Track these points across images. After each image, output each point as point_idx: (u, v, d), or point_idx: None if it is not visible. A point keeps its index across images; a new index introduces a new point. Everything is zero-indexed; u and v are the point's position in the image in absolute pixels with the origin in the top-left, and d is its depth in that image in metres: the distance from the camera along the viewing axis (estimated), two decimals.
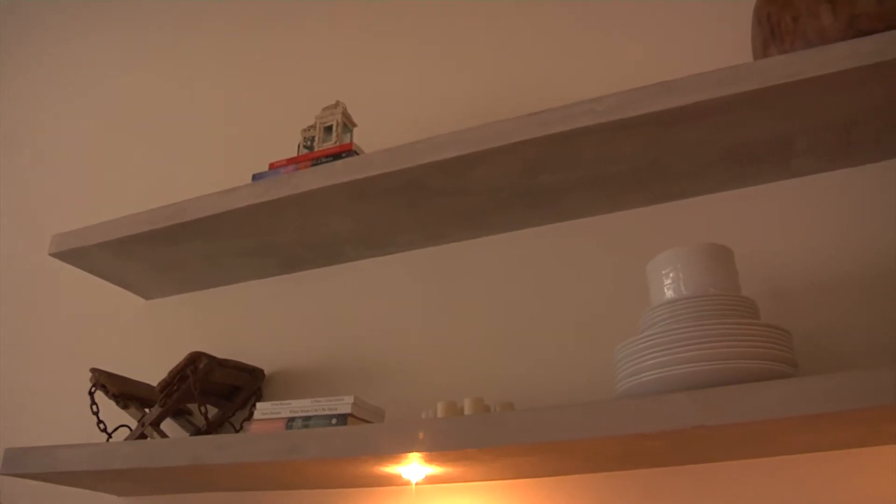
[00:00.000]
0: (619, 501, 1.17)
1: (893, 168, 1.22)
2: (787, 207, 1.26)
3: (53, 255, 1.53)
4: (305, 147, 1.45)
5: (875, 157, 1.23)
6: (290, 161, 1.42)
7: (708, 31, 1.43)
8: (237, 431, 1.50)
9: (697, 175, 1.26)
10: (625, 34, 1.50)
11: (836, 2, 1.09)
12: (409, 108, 1.66)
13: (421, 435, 1.02)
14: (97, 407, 1.44)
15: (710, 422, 0.89)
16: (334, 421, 1.16)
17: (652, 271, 1.07)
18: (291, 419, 1.18)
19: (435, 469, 1.15)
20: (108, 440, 1.49)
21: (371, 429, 1.06)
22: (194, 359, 1.37)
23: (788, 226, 1.24)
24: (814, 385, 0.88)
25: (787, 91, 1.06)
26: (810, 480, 1.09)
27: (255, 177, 1.42)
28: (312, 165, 1.38)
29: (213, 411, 1.53)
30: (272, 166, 1.43)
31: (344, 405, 1.17)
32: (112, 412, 1.66)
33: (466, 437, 1.00)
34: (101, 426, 1.49)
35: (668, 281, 1.03)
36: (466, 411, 1.13)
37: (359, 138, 1.64)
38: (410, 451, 1.02)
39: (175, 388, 1.37)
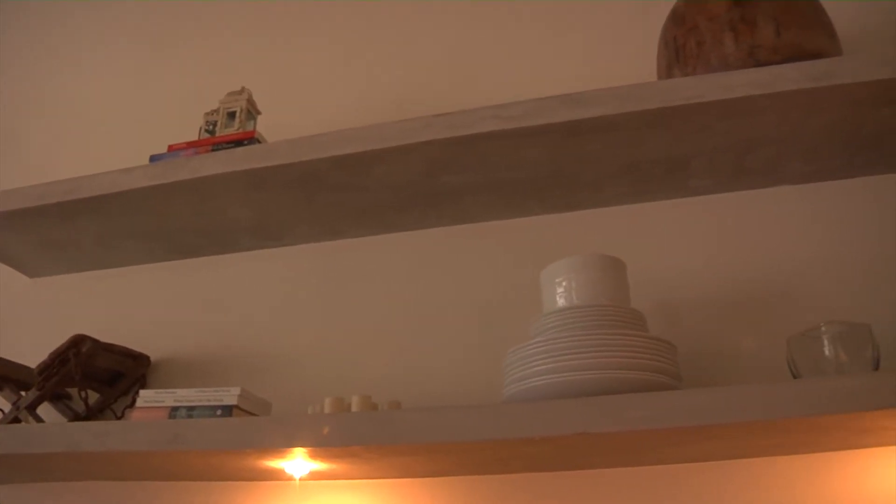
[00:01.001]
0: None
1: (783, 194, 1.28)
2: (681, 225, 1.29)
3: None
4: (207, 131, 1.42)
5: (767, 182, 1.28)
6: (190, 144, 1.38)
7: (616, 47, 1.46)
8: (118, 419, 1.45)
9: (596, 187, 1.29)
10: (535, 43, 1.52)
11: (739, 31, 1.13)
12: (316, 101, 1.64)
13: (325, 431, 1.01)
14: None
15: (593, 429, 0.91)
16: (219, 412, 1.14)
17: (546, 279, 1.09)
18: (175, 408, 1.16)
19: (320, 465, 1.14)
20: None
21: (256, 422, 1.05)
22: (77, 341, 1.32)
23: (681, 243, 1.28)
24: (692, 398, 0.91)
25: (687, 112, 1.09)
26: (693, 489, 1.12)
27: (153, 158, 1.39)
28: (212, 150, 1.34)
29: (94, 397, 1.48)
30: (171, 148, 1.40)
31: (230, 396, 1.15)
32: None
33: (352, 434, 1.00)
34: None
35: (561, 289, 1.05)
36: (354, 408, 1.12)
37: (262, 127, 1.60)
38: (295, 446, 1.02)
39: (55, 370, 1.32)
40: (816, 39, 1.14)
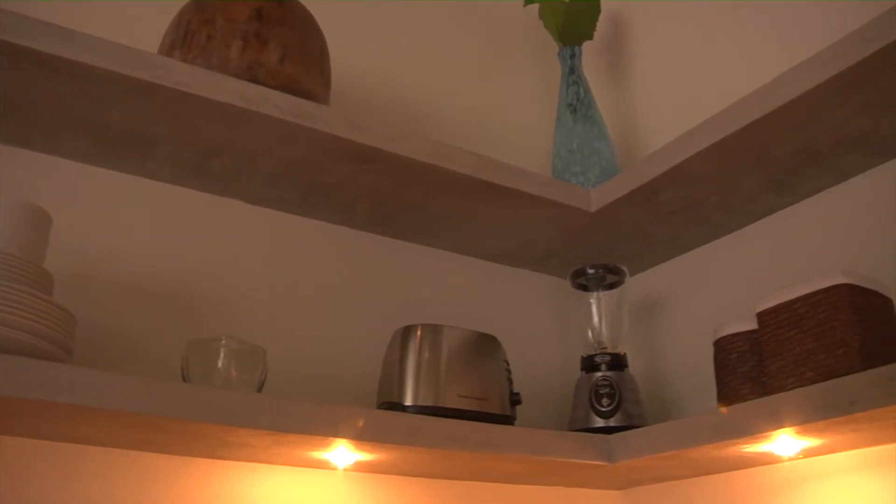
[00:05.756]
0: None
1: (235, 207, 1.34)
2: (128, 203, 1.24)
3: None
4: None
5: (224, 191, 1.33)
6: None
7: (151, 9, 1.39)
8: None
9: (54, 133, 1.15)
10: None
11: (249, 44, 1.16)
12: None
13: None
14: None
15: None
16: None
17: None
18: None
19: None
20: None
21: None
22: None
23: (119, 220, 1.23)
24: (71, 374, 0.87)
25: (171, 96, 1.07)
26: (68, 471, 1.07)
27: None
28: None
29: None
30: None
31: None
32: None
33: None
34: None
35: None
36: None
37: None
38: None
39: None
40: (312, 83, 1.22)
